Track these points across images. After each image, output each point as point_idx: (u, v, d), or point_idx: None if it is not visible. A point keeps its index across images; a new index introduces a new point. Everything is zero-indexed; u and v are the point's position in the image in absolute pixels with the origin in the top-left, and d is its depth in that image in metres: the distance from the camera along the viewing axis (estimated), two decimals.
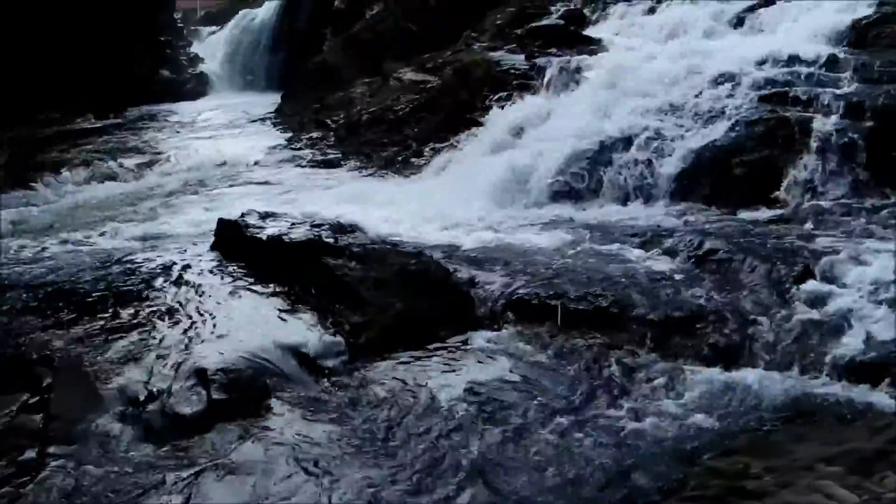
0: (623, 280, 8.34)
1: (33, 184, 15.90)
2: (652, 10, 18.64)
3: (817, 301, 7.53)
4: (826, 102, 11.69)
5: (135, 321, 7.73)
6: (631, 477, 5.46)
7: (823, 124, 11.28)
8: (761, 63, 13.11)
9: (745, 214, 10.46)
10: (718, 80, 12.78)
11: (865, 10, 14.48)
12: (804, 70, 12.74)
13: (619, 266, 8.81)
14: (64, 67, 26.81)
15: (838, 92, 11.87)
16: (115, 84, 28.97)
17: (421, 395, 6.54)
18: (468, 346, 7.41)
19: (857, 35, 13.86)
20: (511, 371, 6.92)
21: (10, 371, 6.57)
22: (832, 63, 12.82)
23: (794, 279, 7.97)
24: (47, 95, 25.59)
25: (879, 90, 11.72)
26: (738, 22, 16.39)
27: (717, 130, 11.73)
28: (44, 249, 10.96)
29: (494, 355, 7.22)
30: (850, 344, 6.82)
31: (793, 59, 13.07)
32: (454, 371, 6.93)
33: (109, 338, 7.33)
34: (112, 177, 16.65)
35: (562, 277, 8.45)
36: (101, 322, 7.73)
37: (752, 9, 16.61)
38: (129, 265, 9.65)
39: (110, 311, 8.02)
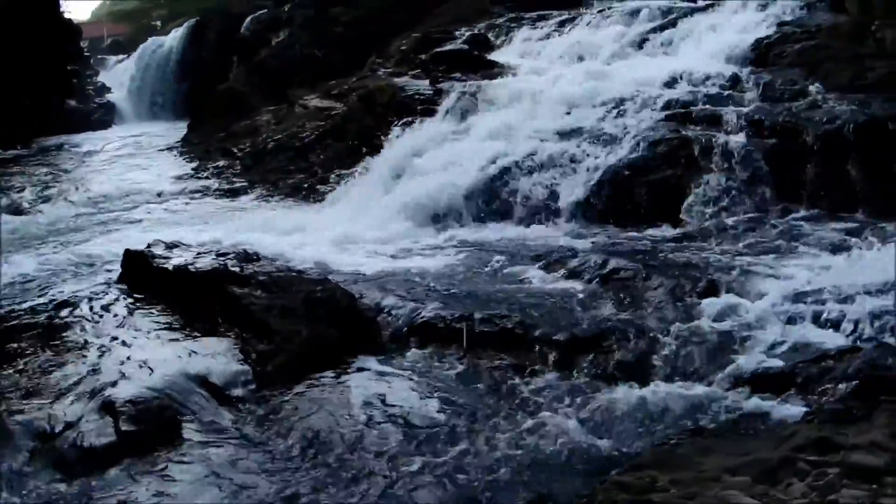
0: (528, 301, 8.35)
1: None
2: (556, 33, 18.79)
3: (721, 315, 7.58)
4: (728, 121, 11.91)
5: (41, 354, 7.64)
6: (538, 493, 5.44)
7: (726, 142, 11.47)
8: (664, 84, 13.35)
9: (649, 233, 10.58)
10: (621, 102, 12.93)
11: (766, 30, 14.72)
12: (707, 90, 13.02)
13: (524, 287, 8.86)
14: None
15: (741, 110, 12.10)
16: (21, 114, 28.59)
17: (328, 420, 6.49)
18: (375, 371, 7.36)
19: (759, 54, 14.13)
20: (417, 394, 6.88)
21: None
22: (734, 82, 13.10)
23: (698, 294, 8.04)
24: None
25: (781, 108, 11.99)
26: (641, 43, 16.54)
27: (621, 151, 11.86)
28: None
29: (401, 379, 7.18)
30: (755, 355, 6.87)
31: (695, 79, 13.34)
32: (361, 396, 6.86)
33: (14, 371, 7.25)
34: (16, 208, 16.37)
35: (467, 300, 8.45)
36: (7, 355, 7.62)
37: (654, 30, 16.82)
38: (33, 297, 9.54)
39: (15, 343, 7.92)
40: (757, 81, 12.91)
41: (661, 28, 16.85)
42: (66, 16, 41.58)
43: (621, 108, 12.81)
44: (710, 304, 7.76)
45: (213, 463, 5.94)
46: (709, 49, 14.87)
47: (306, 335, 7.65)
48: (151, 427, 6.27)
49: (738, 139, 11.49)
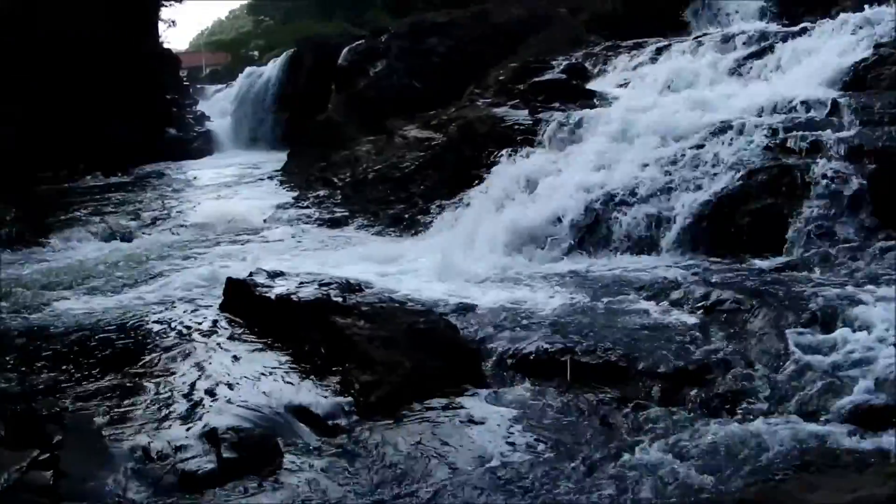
0: (631, 332, 8.40)
1: (42, 240, 16.04)
2: (652, 62, 18.78)
3: (826, 347, 7.52)
4: (828, 147, 11.77)
5: (145, 379, 7.84)
6: None
7: (826, 169, 11.33)
8: (762, 111, 13.23)
9: (751, 263, 10.52)
10: (720, 130, 12.86)
11: (862, 53, 14.56)
12: (805, 115, 12.84)
13: (627, 318, 8.86)
14: (71, 125, 27.07)
15: (839, 136, 11.94)
16: (123, 142, 29.18)
17: (429, 453, 6.53)
18: (477, 404, 7.40)
19: (856, 78, 13.93)
20: (518, 428, 6.91)
21: (21, 427, 6.51)
22: (832, 107, 12.87)
23: (801, 325, 7.98)
24: (55, 153, 25.79)
25: (880, 132, 11.83)
26: (738, 70, 16.48)
27: (721, 180, 11.81)
28: (53, 306, 11.07)
29: (504, 412, 7.21)
30: (859, 389, 6.77)
31: (793, 105, 13.17)
32: (463, 429, 6.92)
33: (119, 395, 7.43)
34: (120, 234, 16.76)
35: (571, 332, 8.48)
36: (111, 379, 7.85)
37: (751, 56, 16.75)
38: (137, 323, 9.81)
39: (120, 368, 8.15)
40: (855, 105, 12.70)
41: (758, 54, 16.74)
42: (165, 45, 42.63)
43: (720, 136, 12.71)
44: (814, 336, 7.71)
45: (312, 492, 6.03)
46: (806, 74, 14.66)
47: (409, 366, 7.70)
48: (253, 455, 6.36)
49: (837, 165, 11.33)
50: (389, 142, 19.46)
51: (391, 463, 6.44)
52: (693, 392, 7.20)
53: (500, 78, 19.91)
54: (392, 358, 7.78)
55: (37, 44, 27.52)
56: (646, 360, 7.68)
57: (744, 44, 17.57)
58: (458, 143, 16.71)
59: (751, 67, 16.37)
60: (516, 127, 15.87)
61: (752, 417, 6.74)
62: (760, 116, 13.07)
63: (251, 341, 8.73)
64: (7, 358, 8.69)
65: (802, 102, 13.16)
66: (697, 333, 8.27)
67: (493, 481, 6.10)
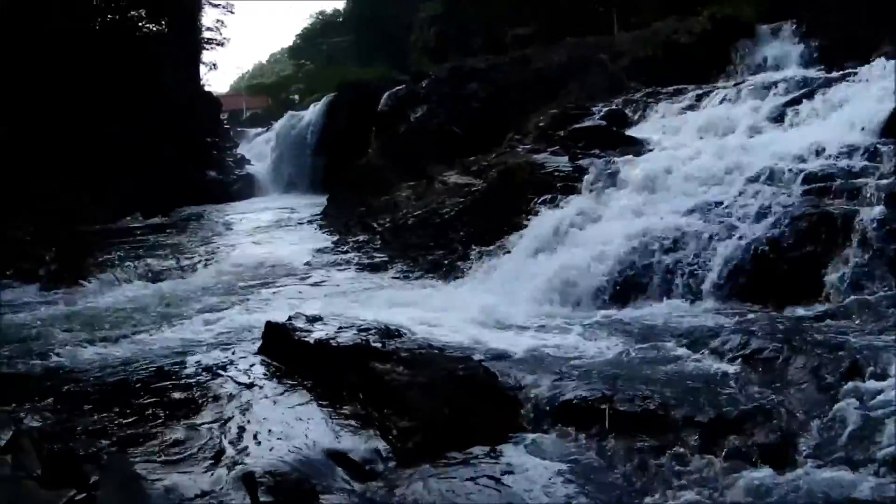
0: (670, 380, 8.41)
1: (81, 281, 16.23)
2: (692, 108, 18.86)
3: (866, 397, 7.47)
4: (868, 194, 11.81)
5: (182, 421, 7.87)
6: None
7: (866, 216, 11.35)
8: (802, 157, 13.24)
9: (791, 311, 10.51)
10: (760, 177, 12.96)
11: None
12: (845, 162, 12.86)
13: (666, 367, 8.88)
14: (110, 166, 27.28)
15: (880, 182, 11.98)
16: (163, 184, 29.41)
17: (466, 501, 6.56)
18: (516, 452, 7.38)
19: None
20: (559, 478, 6.89)
21: (58, 467, 6.57)
22: (873, 153, 12.91)
23: (841, 375, 7.96)
24: (94, 194, 25.97)
25: None
26: (779, 117, 16.51)
27: (761, 227, 11.87)
28: (91, 346, 11.24)
29: (542, 460, 7.21)
30: None
31: (833, 152, 13.19)
32: (501, 478, 6.90)
33: (156, 436, 7.45)
34: (159, 276, 16.96)
35: (609, 379, 8.49)
36: (149, 421, 7.91)
37: (791, 103, 16.79)
38: (176, 364, 9.90)
39: (157, 409, 8.22)
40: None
41: (798, 100, 16.79)
42: (206, 88, 43.07)
43: (760, 183, 12.82)
44: (854, 386, 7.66)
45: None
46: (845, 120, 14.64)
47: (447, 413, 7.74)
48: (289, 499, 6.39)
49: (878, 212, 11.34)
50: (429, 187, 19.58)
51: None
52: (731, 441, 7.16)
53: (540, 124, 20.02)
54: (431, 404, 7.80)
55: (85, 88, 27.92)
56: (684, 409, 7.66)
57: (784, 90, 17.66)
58: (497, 190, 16.82)
59: (791, 114, 16.37)
60: (556, 173, 16.02)
61: (791, 467, 6.72)
62: (800, 163, 13.09)
63: (289, 385, 8.75)
64: (46, 398, 8.76)
65: (842, 149, 13.18)
66: (736, 382, 8.27)
67: None
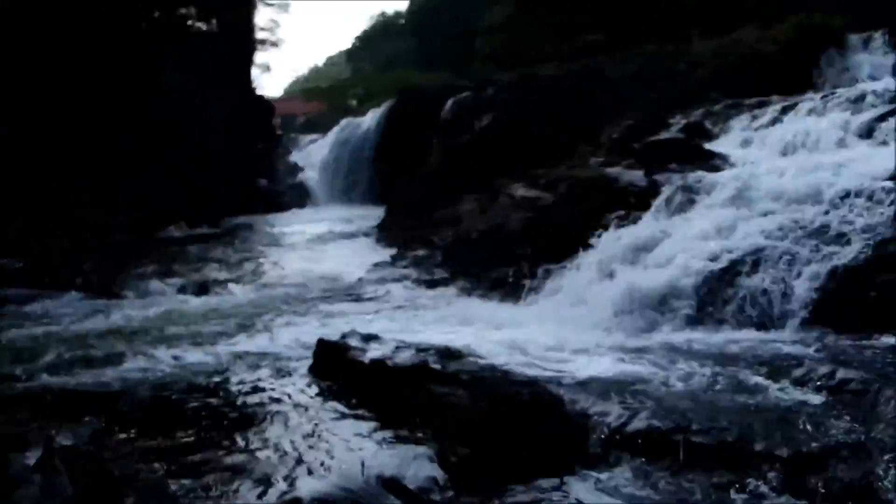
0: (749, 412, 8.32)
1: (124, 292, 16.38)
2: (776, 121, 18.74)
3: None
4: None
5: (225, 443, 7.89)
6: None
7: None
8: (894, 176, 13.08)
9: (882, 340, 10.36)
10: (848, 196, 12.79)
11: None
12: None
13: (744, 396, 8.79)
14: (154, 172, 27.40)
15: None
16: (210, 192, 29.45)
17: None
18: (584, 485, 7.30)
19: None
20: None
21: (93, 487, 6.55)
22: None
23: None
24: (137, 202, 26.11)
25: None
26: (868, 132, 16.38)
27: (849, 250, 11.74)
28: (132, 360, 11.31)
29: (609, 493, 7.14)
30: None
31: None
32: None
33: (197, 458, 7.47)
34: (204, 289, 17.07)
35: (684, 409, 8.41)
36: (190, 441, 7.95)
37: (882, 118, 16.62)
38: (221, 383, 9.95)
39: (200, 429, 8.26)
40: None
41: (889, 115, 16.62)
42: (259, 92, 43.25)
43: (848, 203, 12.66)
44: None
45: None
46: None
47: (510, 440, 7.67)
48: None
49: None
50: (495, 200, 19.58)
51: None
52: (814, 479, 7.06)
53: (614, 136, 20.02)
54: (492, 430, 7.77)
55: (131, 90, 28.18)
56: (764, 443, 7.57)
57: (874, 104, 17.47)
58: (568, 205, 16.79)
59: (881, 129, 16.22)
60: (630, 188, 15.97)
61: None
62: (892, 182, 12.93)
63: (341, 407, 8.75)
64: (81, 415, 8.80)
65: None
66: (820, 415, 8.16)
67: None
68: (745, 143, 18.23)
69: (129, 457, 7.51)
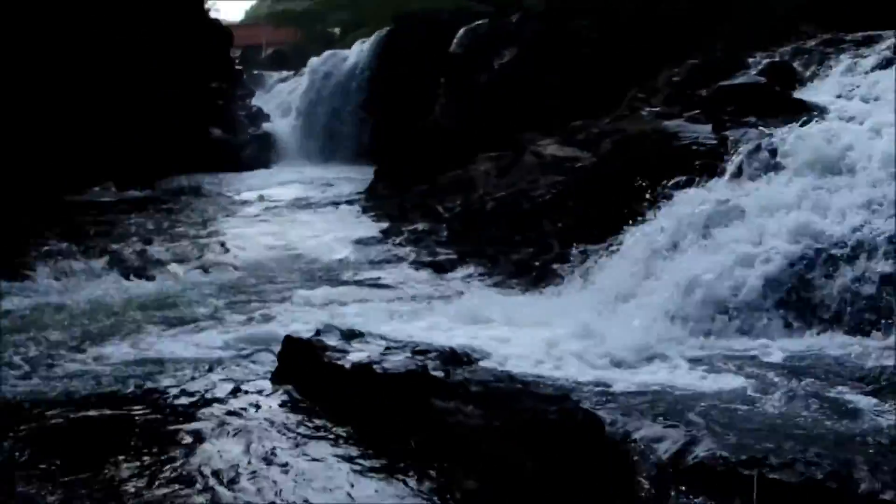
0: (845, 441, 8.27)
1: (30, 272, 16.25)
2: (888, 64, 18.61)
3: None
4: None
5: (168, 473, 7.81)
6: None
7: None
8: None
9: None
10: None
11: None
12: None
13: (840, 422, 8.76)
14: (69, 116, 27.01)
15: None
16: (145, 144, 29.08)
17: None
18: None
19: None
20: None
21: None
22: None
23: None
24: (50, 152, 25.66)
25: None
26: None
27: None
28: (40, 362, 11.30)
29: None
30: None
31: None
32: None
33: (135, 493, 7.43)
34: (138, 270, 17.02)
35: (758, 435, 8.37)
36: (125, 470, 7.87)
37: None
38: (161, 393, 9.94)
39: (136, 454, 8.19)
40: None
41: None
42: (212, 15, 43.01)
43: None
44: None
45: None
46: None
47: (532, 470, 7.65)
48: None
49: None
50: (517, 160, 19.61)
51: None
52: None
53: (675, 79, 19.98)
54: (510, 457, 7.74)
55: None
56: (864, 482, 7.49)
57: None
58: (613, 167, 16.78)
59: None
60: (695, 147, 15.88)
61: None
62: None
63: (313, 425, 8.75)
64: None
65: None
66: None
67: None
68: (848, 91, 18.10)
69: (42, 488, 7.49)
